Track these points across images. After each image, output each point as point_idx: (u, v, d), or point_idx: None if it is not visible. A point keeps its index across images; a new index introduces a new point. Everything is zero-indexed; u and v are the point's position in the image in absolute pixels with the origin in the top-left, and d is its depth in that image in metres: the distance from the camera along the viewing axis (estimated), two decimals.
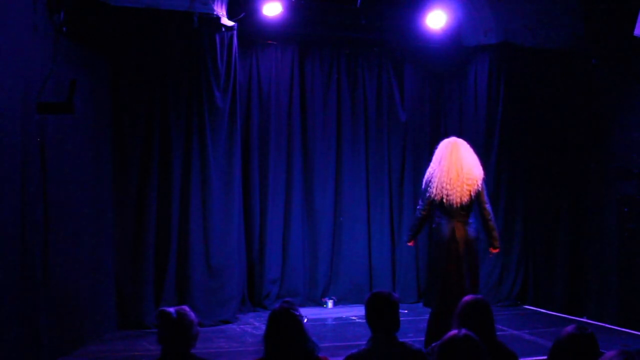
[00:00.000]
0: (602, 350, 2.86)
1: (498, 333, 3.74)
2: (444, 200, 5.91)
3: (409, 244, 6.52)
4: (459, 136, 9.13)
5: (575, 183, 8.88)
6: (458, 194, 5.89)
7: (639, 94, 8.00)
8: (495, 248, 6.21)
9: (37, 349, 5.46)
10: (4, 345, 4.92)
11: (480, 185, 5.98)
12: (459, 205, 5.90)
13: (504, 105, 8.89)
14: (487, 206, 6.09)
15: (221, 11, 7.64)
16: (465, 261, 5.88)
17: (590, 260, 8.60)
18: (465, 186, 5.91)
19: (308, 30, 8.74)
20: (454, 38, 9.09)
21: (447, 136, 9.25)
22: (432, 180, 6.02)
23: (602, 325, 7.51)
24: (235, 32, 7.79)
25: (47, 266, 5.68)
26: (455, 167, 5.98)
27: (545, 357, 3.08)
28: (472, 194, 5.92)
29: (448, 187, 5.91)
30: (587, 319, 7.92)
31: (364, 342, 3.53)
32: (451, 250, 5.89)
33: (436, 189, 5.95)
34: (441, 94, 9.36)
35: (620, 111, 8.28)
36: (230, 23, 7.74)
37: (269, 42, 8.65)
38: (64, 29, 5.92)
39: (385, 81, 9.14)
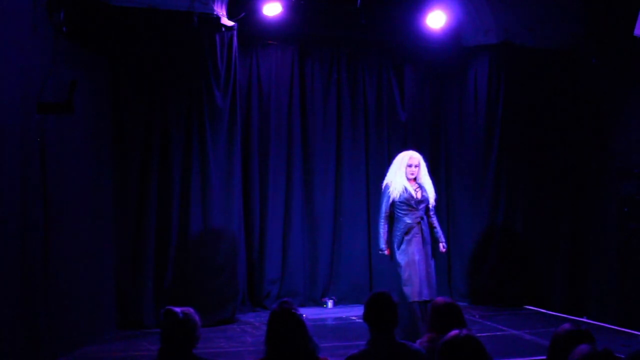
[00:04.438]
0: None
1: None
2: None
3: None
4: (459, 136, 9.28)
5: (575, 183, 8.87)
6: None
7: (639, 94, 7.99)
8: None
9: (37, 349, 5.46)
10: (4, 345, 4.93)
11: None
12: None
13: (504, 105, 8.89)
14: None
15: (221, 11, 7.64)
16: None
17: (590, 260, 8.59)
18: None
19: (308, 30, 8.74)
20: (454, 38, 9.10)
21: (447, 136, 9.37)
22: None
23: (602, 325, 7.50)
24: (235, 32, 7.79)
25: (47, 266, 5.68)
26: None
27: (544, 358, 3.08)
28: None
29: None
30: (587, 319, 7.91)
31: (364, 342, 3.53)
32: None
33: None
34: (441, 94, 9.35)
35: (620, 111, 8.27)
36: (230, 23, 7.74)
37: (269, 42, 8.66)
38: (64, 29, 5.92)
39: (385, 81, 9.14)
